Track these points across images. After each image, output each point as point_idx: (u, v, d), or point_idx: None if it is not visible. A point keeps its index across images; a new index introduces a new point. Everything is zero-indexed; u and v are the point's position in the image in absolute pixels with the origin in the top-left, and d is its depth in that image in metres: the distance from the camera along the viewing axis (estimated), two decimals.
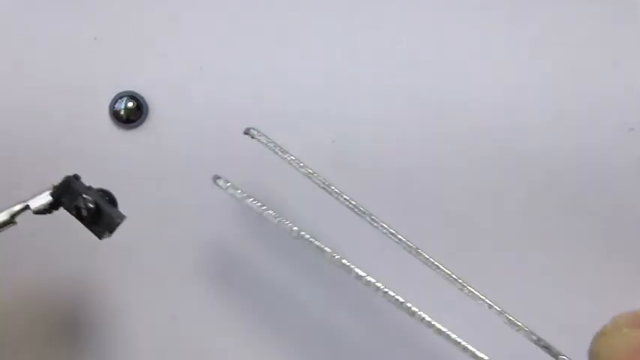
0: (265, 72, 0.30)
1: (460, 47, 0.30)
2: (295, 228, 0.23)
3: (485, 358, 0.22)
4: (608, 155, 0.29)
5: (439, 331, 0.22)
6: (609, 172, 0.29)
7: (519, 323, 0.23)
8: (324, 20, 0.30)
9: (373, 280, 0.22)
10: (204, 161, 0.29)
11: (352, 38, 0.30)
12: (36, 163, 0.29)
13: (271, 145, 0.25)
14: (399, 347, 0.29)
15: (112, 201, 0.23)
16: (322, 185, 0.25)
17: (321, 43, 0.30)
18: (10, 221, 0.23)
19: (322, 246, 0.23)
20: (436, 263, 0.24)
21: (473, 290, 0.23)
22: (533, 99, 0.30)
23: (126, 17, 0.30)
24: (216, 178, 0.24)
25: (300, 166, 0.25)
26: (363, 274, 0.22)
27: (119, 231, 0.29)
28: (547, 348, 0.23)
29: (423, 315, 0.22)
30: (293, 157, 0.25)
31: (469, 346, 0.22)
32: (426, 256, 0.24)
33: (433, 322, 0.22)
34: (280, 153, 0.25)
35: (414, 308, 0.22)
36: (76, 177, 0.23)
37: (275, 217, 0.23)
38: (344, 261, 0.22)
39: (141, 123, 0.29)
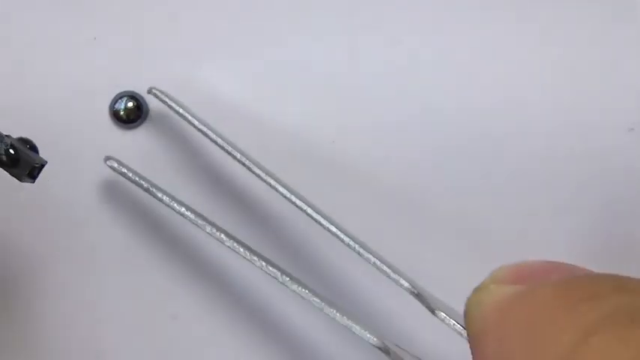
0: (265, 72, 0.30)
1: (460, 47, 0.30)
2: (187, 213, 0.24)
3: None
4: (608, 155, 0.29)
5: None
6: (609, 172, 0.29)
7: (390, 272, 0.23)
8: (324, 20, 0.30)
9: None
10: (204, 161, 0.29)
11: (352, 38, 0.30)
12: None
13: (174, 105, 0.26)
14: None
15: (32, 148, 0.24)
16: (230, 152, 0.26)
17: (321, 43, 0.30)
18: None
19: (216, 232, 0.24)
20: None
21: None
22: (533, 99, 0.30)
23: (126, 17, 0.30)
24: (107, 159, 0.25)
25: (206, 133, 0.26)
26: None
27: (120, 230, 0.29)
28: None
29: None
30: (197, 124, 0.26)
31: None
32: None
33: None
34: (186, 114, 0.26)
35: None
36: None
37: (167, 200, 0.25)
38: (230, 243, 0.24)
39: (141, 123, 0.29)
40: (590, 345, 0.12)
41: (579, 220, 0.29)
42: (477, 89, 0.30)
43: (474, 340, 0.15)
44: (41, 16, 0.30)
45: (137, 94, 0.28)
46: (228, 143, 0.26)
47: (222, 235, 0.24)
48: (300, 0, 0.30)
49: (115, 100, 0.29)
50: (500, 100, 0.30)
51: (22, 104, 0.30)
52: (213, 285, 0.29)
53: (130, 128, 0.29)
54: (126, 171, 0.25)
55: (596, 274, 0.15)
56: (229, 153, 0.26)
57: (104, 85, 0.30)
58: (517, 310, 0.14)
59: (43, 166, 0.24)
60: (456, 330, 0.21)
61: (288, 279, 0.24)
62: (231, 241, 0.24)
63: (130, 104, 0.29)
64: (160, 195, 0.25)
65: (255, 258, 0.24)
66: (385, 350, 0.22)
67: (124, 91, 0.29)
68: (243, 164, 0.25)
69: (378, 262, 0.24)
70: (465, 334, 0.16)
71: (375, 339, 0.22)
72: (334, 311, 0.23)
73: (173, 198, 0.25)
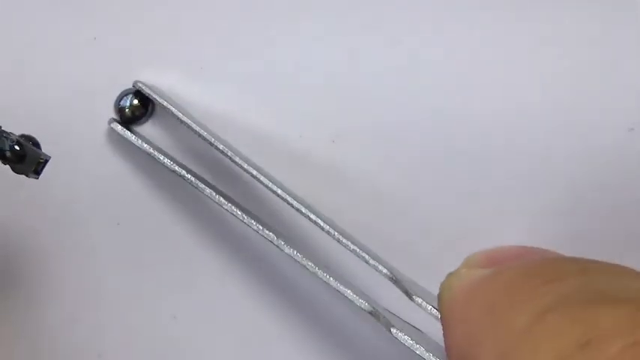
0: (265, 72, 0.30)
1: (460, 47, 0.30)
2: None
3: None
4: (608, 155, 0.29)
5: None
6: (609, 172, 0.29)
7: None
8: (324, 20, 0.30)
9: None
10: (204, 161, 0.29)
11: (352, 38, 0.30)
12: None
13: (158, 98, 0.26)
14: None
15: (35, 144, 0.24)
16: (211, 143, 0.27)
17: (321, 43, 0.30)
18: None
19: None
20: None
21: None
22: (533, 99, 0.30)
23: (126, 17, 0.30)
24: (111, 121, 0.26)
25: (191, 126, 0.27)
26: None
27: (119, 230, 0.29)
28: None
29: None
30: (182, 117, 0.26)
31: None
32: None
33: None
34: (170, 108, 0.26)
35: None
36: None
37: (169, 163, 0.25)
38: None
39: (146, 120, 0.29)
40: (543, 324, 0.12)
41: (579, 220, 0.29)
42: (476, 89, 0.30)
43: (444, 323, 0.15)
44: (41, 16, 0.30)
45: (143, 90, 0.28)
46: (213, 136, 0.26)
47: (221, 198, 0.25)
48: (300, 0, 0.30)
49: (120, 98, 0.28)
50: (500, 100, 0.30)
51: (22, 104, 0.30)
52: (212, 285, 0.29)
53: (135, 125, 0.29)
54: (130, 135, 0.26)
55: (563, 257, 0.16)
56: (212, 144, 0.26)
57: (104, 85, 0.30)
58: (482, 292, 0.15)
59: (47, 161, 0.24)
60: (432, 314, 0.22)
61: (283, 242, 0.24)
62: (229, 204, 0.25)
63: (136, 101, 0.28)
64: (162, 159, 0.26)
65: (252, 222, 0.25)
66: (375, 315, 0.23)
67: (129, 89, 0.29)
68: (229, 157, 0.26)
69: (357, 249, 0.24)
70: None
71: (366, 304, 0.23)
72: (327, 275, 0.24)
73: (174, 160, 0.26)
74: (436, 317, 0.21)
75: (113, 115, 0.29)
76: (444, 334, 0.15)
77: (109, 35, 0.30)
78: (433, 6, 0.30)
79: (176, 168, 0.26)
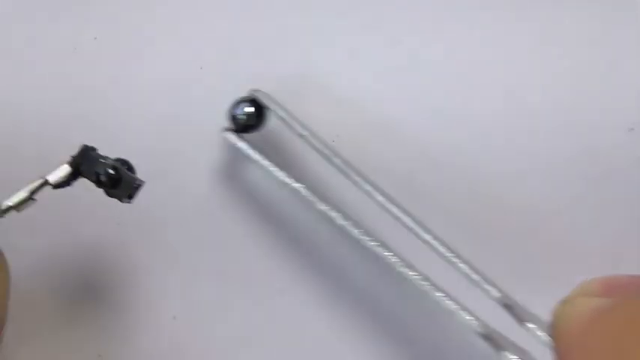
0: (265, 72, 0.30)
1: (460, 47, 0.30)
2: (323, 207, 0.24)
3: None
4: (608, 155, 0.29)
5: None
6: (609, 172, 0.29)
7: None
8: (324, 20, 0.30)
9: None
10: (204, 161, 0.29)
11: (352, 38, 0.30)
12: (37, 161, 0.29)
13: (276, 108, 0.25)
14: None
15: (130, 168, 0.24)
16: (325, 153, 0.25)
17: (321, 43, 0.30)
18: (30, 198, 0.22)
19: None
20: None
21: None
22: (533, 99, 0.30)
23: (126, 17, 0.30)
24: (224, 130, 0.24)
25: (307, 138, 0.25)
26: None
27: (120, 229, 0.29)
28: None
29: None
30: (299, 128, 0.25)
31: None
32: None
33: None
34: (286, 117, 0.25)
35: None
36: (92, 148, 0.23)
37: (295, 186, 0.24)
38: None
39: (260, 129, 0.27)
40: None
41: (579, 219, 0.29)
42: (477, 89, 0.30)
43: (560, 351, 0.15)
44: (41, 16, 0.30)
45: (258, 99, 0.26)
46: (331, 151, 0.25)
47: (340, 217, 0.24)
48: (300, 0, 0.30)
49: (235, 106, 0.27)
50: (500, 99, 0.30)
51: (22, 104, 0.30)
52: (212, 285, 0.29)
53: (248, 133, 0.27)
54: (246, 146, 0.25)
55: None
56: (329, 160, 0.25)
57: (105, 85, 0.30)
58: (603, 324, 0.14)
59: (141, 186, 0.23)
60: (544, 342, 0.21)
61: (398, 261, 0.23)
62: (347, 222, 0.24)
63: (251, 109, 0.27)
64: (276, 171, 0.25)
65: (368, 239, 0.24)
66: (487, 337, 0.22)
67: (244, 97, 0.27)
68: (349, 174, 0.25)
69: (469, 271, 0.24)
70: (552, 346, 0.16)
71: (477, 325, 0.23)
72: (440, 295, 0.23)
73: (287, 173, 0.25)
74: (548, 345, 0.21)
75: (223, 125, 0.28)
76: None
77: (109, 35, 0.30)
78: (433, 6, 0.31)
79: (291, 182, 0.25)
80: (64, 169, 0.23)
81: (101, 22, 0.30)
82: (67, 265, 0.29)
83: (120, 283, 0.29)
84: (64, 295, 0.29)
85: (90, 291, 0.29)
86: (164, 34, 0.30)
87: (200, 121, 0.29)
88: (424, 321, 0.28)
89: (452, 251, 0.24)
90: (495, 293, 0.23)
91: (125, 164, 0.24)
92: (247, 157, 0.26)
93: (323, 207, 0.25)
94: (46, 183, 0.23)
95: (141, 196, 0.24)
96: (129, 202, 0.23)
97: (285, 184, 0.25)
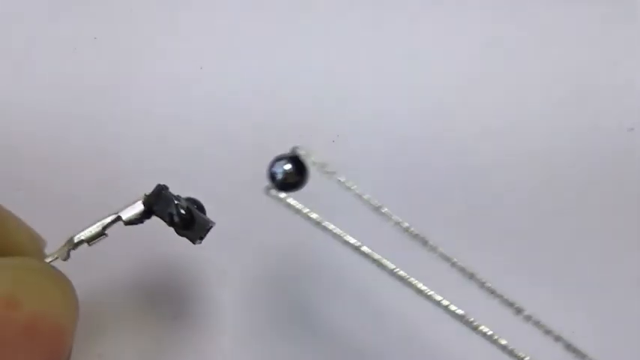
0: (265, 72, 0.30)
1: (460, 47, 0.30)
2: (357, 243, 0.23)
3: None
4: (608, 155, 0.29)
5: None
6: (609, 172, 0.29)
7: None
8: (324, 20, 0.30)
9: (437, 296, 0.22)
10: (204, 161, 0.29)
11: (352, 38, 0.30)
12: (37, 161, 0.29)
13: (318, 165, 0.24)
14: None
15: (200, 208, 0.24)
16: (373, 209, 0.24)
17: (321, 43, 0.30)
18: (102, 233, 0.23)
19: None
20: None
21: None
22: (533, 99, 0.30)
23: (126, 17, 0.30)
24: (268, 189, 0.24)
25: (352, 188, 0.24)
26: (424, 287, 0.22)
27: (118, 230, 0.29)
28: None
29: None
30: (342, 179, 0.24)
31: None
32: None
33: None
34: (328, 174, 0.24)
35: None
36: (165, 187, 0.23)
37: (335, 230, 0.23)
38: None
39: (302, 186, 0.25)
40: None
41: (579, 220, 0.29)
42: (477, 89, 0.30)
43: None
44: (41, 16, 0.30)
45: (299, 155, 0.25)
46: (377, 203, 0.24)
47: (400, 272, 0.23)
48: (300, 0, 0.30)
49: (273, 164, 0.25)
50: (500, 99, 0.30)
51: (22, 104, 0.30)
52: (213, 286, 0.29)
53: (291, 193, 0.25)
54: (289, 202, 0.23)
55: None
56: (382, 212, 0.24)
57: (105, 85, 0.30)
58: None
59: (212, 227, 0.23)
60: None
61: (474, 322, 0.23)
62: (407, 277, 0.23)
63: (290, 166, 0.25)
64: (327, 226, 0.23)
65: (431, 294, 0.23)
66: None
67: (284, 154, 0.25)
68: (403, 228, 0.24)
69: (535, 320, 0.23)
70: None
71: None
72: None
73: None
74: None
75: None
76: None
77: (109, 35, 0.30)
78: (433, 6, 0.31)
79: (347, 238, 0.23)
80: (138, 207, 0.23)
81: (101, 22, 0.30)
82: (67, 264, 0.29)
83: (120, 282, 0.29)
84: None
85: (90, 291, 0.29)
86: (164, 34, 0.30)
87: (200, 121, 0.30)
88: None
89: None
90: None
91: (195, 204, 0.24)
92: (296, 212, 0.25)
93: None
94: (118, 219, 0.23)
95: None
96: (199, 243, 0.23)
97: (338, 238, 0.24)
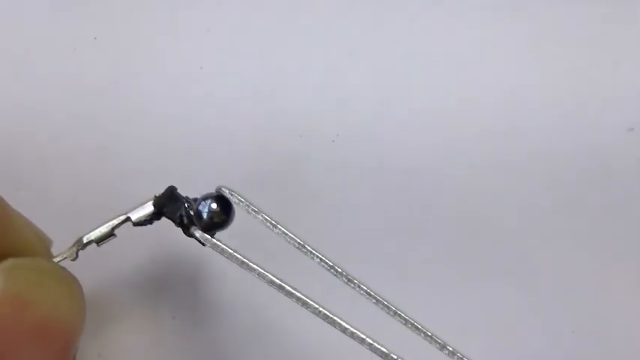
0: (265, 72, 0.30)
1: (459, 47, 0.30)
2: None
3: None
4: (608, 155, 0.29)
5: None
6: (609, 172, 0.29)
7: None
8: (324, 20, 0.30)
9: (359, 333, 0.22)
10: (204, 161, 0.29)
11: (352, 38, 0.30)
12: (37, 161, 0.29)
13: (244, 204, 0.24)
14: None
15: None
16: (296, 246, 0.24)
17: (321, 43, 0.30)
18: (111, 234, 0.23)
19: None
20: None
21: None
22: (533, 99, 0.30)
23: (126, 17, 0.30)
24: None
25: (274, 226, 0.24)
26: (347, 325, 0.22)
27: (118, 231, 0.29)
28: None
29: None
30: (266, 217, 0.24)
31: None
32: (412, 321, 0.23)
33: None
34: (253, 213, 0.24)
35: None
36: (174, 188, 0.23)
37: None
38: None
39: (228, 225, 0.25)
40: None
41: (579, 220, 0.29)
42: (476, 89, 0.30)
43: None
44: (41, 16, 0.30)
45: (224, 194, 0.25)
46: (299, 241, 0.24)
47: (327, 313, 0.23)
48: (300, 0, 0.30)
49: (199, 203, 0.24)
50: (500, 99, 0.30)
51: (22, 104, 0.30)
52: (213, 286, 0.29)
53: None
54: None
55: None
56: (300, 249, 0.24)
57: (105, 85, 0.30)
58: None
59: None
60: None
61: None
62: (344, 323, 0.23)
63: (215, 206, 0.24)
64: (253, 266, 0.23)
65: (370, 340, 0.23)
66: None
67: (209, 193, 0.25)
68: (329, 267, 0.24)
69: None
70: None
71: None
72: None
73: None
74: None
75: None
76: None
77: (109, 35, 0.30)
78: (433, 6, 0.31)
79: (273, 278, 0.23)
80: (148, 208, 0.23)
81: (101, 22, 0.30)
82: (68, 264, 0.29)
83: (120, 282, 0.29)
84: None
85: (90, 291, 0.29)
86: (164, 34, 0.30)
87: (200, 122, 0.30)
88: None
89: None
90: None
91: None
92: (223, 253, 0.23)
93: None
94: (127, 220, 0.23)
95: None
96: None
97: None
